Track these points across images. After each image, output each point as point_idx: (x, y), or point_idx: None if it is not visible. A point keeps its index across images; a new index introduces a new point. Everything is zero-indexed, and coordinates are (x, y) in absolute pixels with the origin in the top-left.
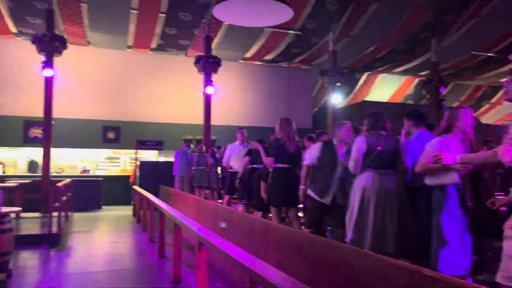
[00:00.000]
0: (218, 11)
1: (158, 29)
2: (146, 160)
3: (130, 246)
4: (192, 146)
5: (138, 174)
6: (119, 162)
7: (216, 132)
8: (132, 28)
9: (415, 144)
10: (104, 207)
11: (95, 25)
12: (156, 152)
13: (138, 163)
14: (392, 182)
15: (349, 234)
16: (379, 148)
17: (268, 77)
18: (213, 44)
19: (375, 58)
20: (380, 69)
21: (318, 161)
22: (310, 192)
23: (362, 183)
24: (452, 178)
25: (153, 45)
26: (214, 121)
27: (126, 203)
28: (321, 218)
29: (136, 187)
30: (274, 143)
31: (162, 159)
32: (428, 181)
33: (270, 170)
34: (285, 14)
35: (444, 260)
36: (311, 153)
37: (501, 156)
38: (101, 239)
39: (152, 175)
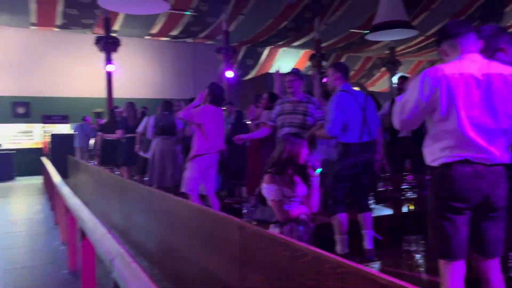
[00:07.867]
0: (102, 1)
1: (60, 8)
2: (58, 133)
3: (31, 212)
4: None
5: (49, 146)
6: (32, 135)
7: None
8: (33, 6)
9: None
10: (18, 178)
11: None
12: (69, 125)
13: (48, 136)
14: (168, 144)
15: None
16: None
17: (174, 52)
18: (118, 22)
19: (270, 35)
20: (279, 43)
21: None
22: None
23: (153, 145)
24: None
25: (58, 23)
26: (120, 94)
27: (40, 173)
28: (144, 167)
29: (44, 159)
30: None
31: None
32: None
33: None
34: (162, 5)
35: None
36: (143, 123)
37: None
38: (3, 206)
39: (62, 146)
